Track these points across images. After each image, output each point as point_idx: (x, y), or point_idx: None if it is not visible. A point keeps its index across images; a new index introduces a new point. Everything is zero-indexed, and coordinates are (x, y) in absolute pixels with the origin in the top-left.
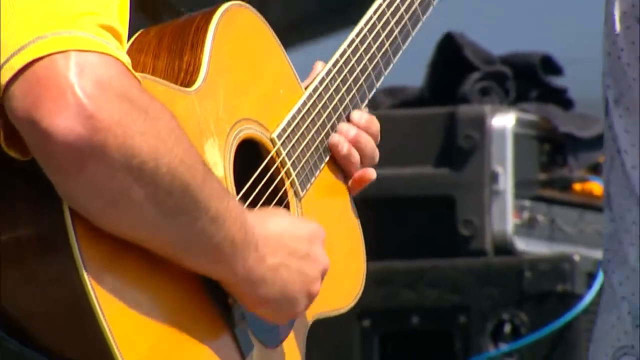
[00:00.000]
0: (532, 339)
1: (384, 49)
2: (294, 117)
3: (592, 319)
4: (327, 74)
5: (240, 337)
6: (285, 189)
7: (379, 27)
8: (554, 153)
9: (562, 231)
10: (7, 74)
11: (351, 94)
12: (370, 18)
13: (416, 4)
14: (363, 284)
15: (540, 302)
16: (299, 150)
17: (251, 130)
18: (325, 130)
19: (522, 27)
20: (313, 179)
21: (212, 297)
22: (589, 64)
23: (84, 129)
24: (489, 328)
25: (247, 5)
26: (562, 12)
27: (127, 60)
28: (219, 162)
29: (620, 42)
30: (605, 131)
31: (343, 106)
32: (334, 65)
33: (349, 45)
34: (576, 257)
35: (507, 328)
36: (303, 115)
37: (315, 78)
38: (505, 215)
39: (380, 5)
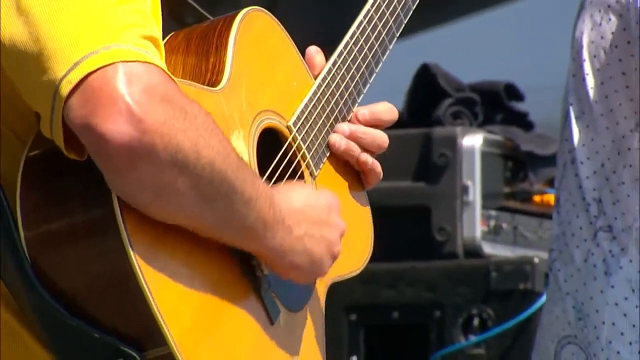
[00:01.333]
0: (497, 331)
1: (381, 38)
2: (306, 106)
3: None
4: (333, 64)
5: (268, 303)
6: (302, 170)
7: (375, 19)
8: (516, 169)
9: (524, 237)
10: (67, 87)
11: (355, 81)
12: (368, 11)
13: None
14: (371, 249)
15: (505, 298)
16: (312, 135)
17: (270, 120)
18: (334, 115)
19: (488, 59)
20: (325, 159)
21: (243, 270)
22: (546, 92)
23: (135, 131)
24: (460, 322)
25: (263, 9)
26: (524, 46)
27: (164, 66)
28: (244, 150)
29: (586, 68)
30: (561, 142)
31: (348, 92)
32: (339, 56)
33: (351, 37)
34: (536, 260)
35: (476, 322)
36: (314, 104)
37: (323, 69)
38: (474, 223)
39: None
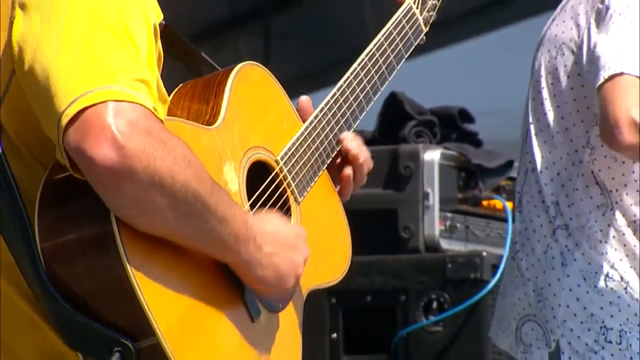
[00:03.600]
0: (452, 312)
1: (363, 94)
2: (294, 144)
3: (496, 297)
4: (320, 110)
5: (249, 305)
6: (287, 196)
7: (361, 75)
8: (468, 179)
9: (474, 235)
10: (65, 120)
11: (339, 125)
12: (355, 69)
13: (392, 57)
14: (349, 262)
15: (459, 285)
16: (297, 167)
17: (260, 155)
18: (319, 152)
19: (445, 88)
20: (309, 188)
21: (226, 275)
22: (492, 116)
23: (118, 156)
24: (422, 304)
25: (258, 64)
26: (474, 78)
27: (152, 106)
28: (235, 179)
29: (544, 94)
30: (523, 154)
31: (333, 133)
32: (326, 104)
33: (338, 89)
34: (484, 254)
35: (435, 304)
36: (301, 142)
37: (312, 114)
38: (434, 223)
39: (363, 59)
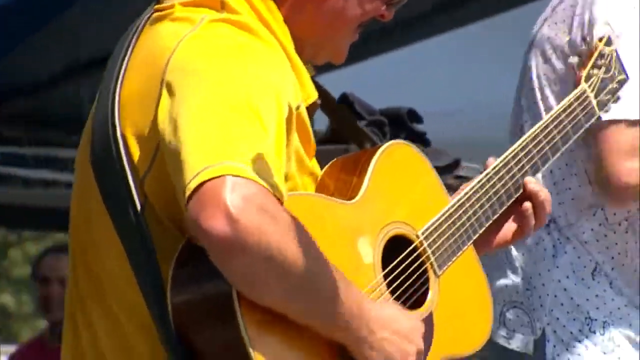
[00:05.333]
0: None
1: (514, 180)
2: (437, 219)
3: None
4: (471, 189)
5: None
6: (426, 269)
7: (521, 155)
8: None
9: None
10: (188, 192)
11: (490, 202)
12: (510, 153)
13: (557, 137)
14: (488, 337)
15: None
16: (439, 242)
17: (399, 229)
18: (464, 228)
19: (394, 89)
20: (451, 262)
21: (340, 354)
22: (439, 117)
23: (231, 229)
24: None
25: (406, 142)
26: (422, 80)
27: (269, 183)
28: (370, 252)
29: (537, 94)
30: None
31: (476, 216)
32: (479, 182)
33: (485, 175)
34: None
35: None
36: (446, 217)
37: (461, 192)
38: None
39: (525, 143)
